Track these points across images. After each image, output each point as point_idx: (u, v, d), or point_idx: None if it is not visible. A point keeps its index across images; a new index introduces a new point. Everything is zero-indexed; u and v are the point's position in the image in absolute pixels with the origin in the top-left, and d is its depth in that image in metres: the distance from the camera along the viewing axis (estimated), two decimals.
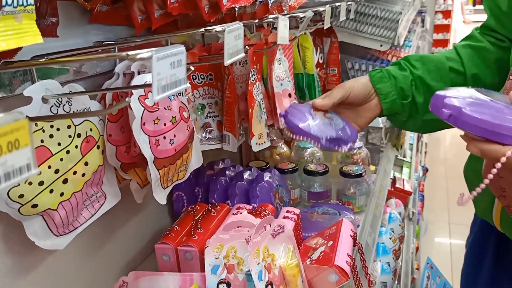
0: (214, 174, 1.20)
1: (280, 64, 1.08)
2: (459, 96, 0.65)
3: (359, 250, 0.97)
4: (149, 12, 0.78)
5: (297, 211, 0.99)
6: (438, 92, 0.68)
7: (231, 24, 0.58)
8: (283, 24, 0.76)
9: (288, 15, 0.84)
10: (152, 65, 0.37)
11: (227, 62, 0.57)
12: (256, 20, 0.80)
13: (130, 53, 0.40)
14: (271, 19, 0.79)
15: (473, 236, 1.10)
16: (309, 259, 0.90)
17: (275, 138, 1.45)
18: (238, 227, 0.83)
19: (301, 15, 0.89)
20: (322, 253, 0.89)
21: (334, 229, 0.97)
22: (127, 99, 0.47)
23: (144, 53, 0.38)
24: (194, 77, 0.93)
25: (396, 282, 1.46)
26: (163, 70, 0.38)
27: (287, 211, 0.99)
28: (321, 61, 1.64)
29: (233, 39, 0.57)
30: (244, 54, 0.63)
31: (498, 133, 0.61)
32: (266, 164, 1.33)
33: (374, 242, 1.18)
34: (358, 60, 1.85)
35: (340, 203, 1.29)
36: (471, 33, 1.06)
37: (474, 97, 0.66)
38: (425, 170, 4.02)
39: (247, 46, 1.00)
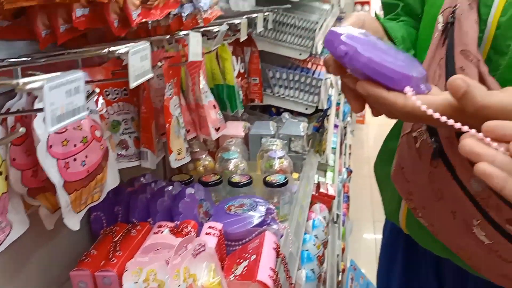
0: (135, 191, 1.15)
1: (201, 76, 1.07)
2: (356, 36, 0.63)
3: (283, 262, 0.97)
4: (53, 27, 0.73)
5: (219, 226, 0.98)
6: (333, 29, 0.65)
7: (137, 44, 0.55)
8: (195, 40, 0.75)
9: (203, 29, 0.83)
10: (43, 96, 0.34)
11: (132, 84, 0.54)
12: (167, 37, 0.78)
13: (20, 81, 0.37)
14: (182, 36, 0.77)
15: (385, 239, 1.15)
16: (233, 274, 0.89)
17: (198, 149, 1.43)
18: (157, 249, 0.80)
19: (215, 29, 0.88)
20: (246, 268, 0.89)
21: (257, 242, 0.97)
22: (20, 130, 0.43)
23: (35, 82, 0.35)
24: (107, 92, 0.89)
25: (322, 287, 1.49)
26: (58, 99, 0.35)
27: (210, 227, 0.97)
28: (242, 71, 1.64)
29: (138, 60, 0.54)
30: (151, 75, 0.61)
31: (389, 77, 0.60)
32: (190, 177, 1.30)
33: (298, 250, 1.20)
34: (279, 68, 1.88)
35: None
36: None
37: (370, 40, 0.64)
38: (350, 171, 4.16)
39: (162, 61, 0.98)
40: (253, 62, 1.68)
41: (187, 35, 0.75)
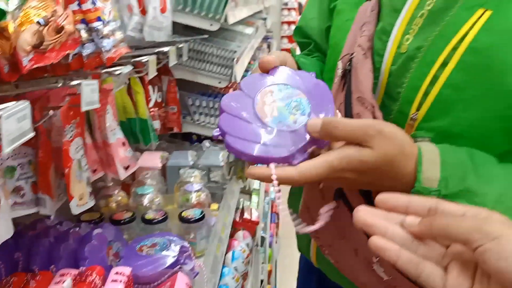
0: (37, 235, 1.07)
1: (108, 113, 1.02)
2: (233, 115, 0.63)
3: None
4: None
5: (127, 271, 0.93)
6: (225, 97, 0.65)
7: (13, 106, 0.51)
8: (88, 89, 0.71)
9: (104, 70, 0.79)
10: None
11: (5, 151, 0.50)
12: (60, 85, 0.73)
13: None
14: (74, 86, 0.73)
15: (300, 272, 1.16)
16: None
17: (111, 184, 1.37)
18: None
19: (117, 72, 0.84)
20: None
21: (168, 286, 0.94)
22: None
23: None
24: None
25: None
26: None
27: (116, 273, 0.92)
28: (159, 100, 1.61)
29: (14, 122, 0.50)
30: (32, 134, 0.56)
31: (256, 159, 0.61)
32: (100, 215, 1.24)
33: (215, 286, 1.17)
34: (199, 96, 1.86)
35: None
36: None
37: (242, 114, 0.64)
38: (278, 191, 4.19)
39: (67, 98, 0.92)
40: (170, 91, 1.65)
41: (79, 84, 0.71)
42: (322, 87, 0.68)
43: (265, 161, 0.61)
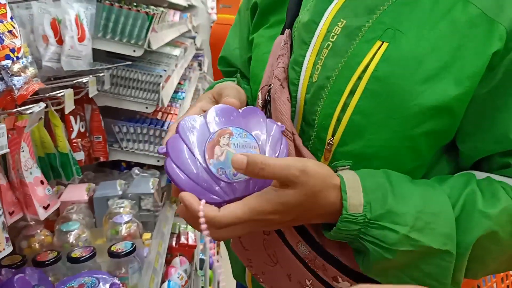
0: None
1: (23, 151, 0.97)
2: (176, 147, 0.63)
3: None
4: None
5: None
6: (182, 120, 0.65)
7: None
8: None
9: (16, 109, 0.75)
10: None
11: None
12: None
13: None
14: None
15: None
16: None
17: (33, 223, 1.29)
18: None
19: (29, 110, 0.80)
20: None
21: None
22: None
23: None
24: None
25: None
26: None
27: None
28: (83, 130, 1.55)
29: None
30: None
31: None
32: (22, 258, 1.16)
33: None
34: (126, 123, 1.81)
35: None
36: None
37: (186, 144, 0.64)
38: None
39: None
40: (94, 120, 1.59)
41: None
42: (283, 147, 0.69)
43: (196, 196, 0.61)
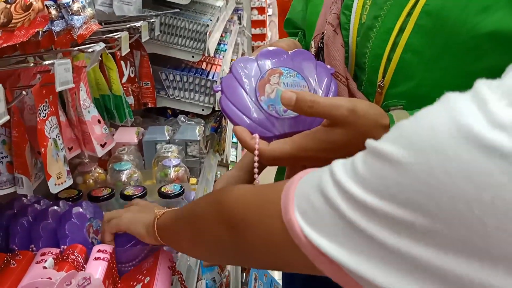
0: (14, 214, 1.07)
1: (81, 91, 1.01)
2: (233, 80, 0.66)
3: (179, 279, 0.96)
4: None
5: (109, 248, 0.94)
6: (235, 63, 0.67)
7: None
8: (62, 68, 0.70)
9: (77, 48, 0.78)
10: None
11: None
12: (31, 64, 0.72)
13: None
14: (48, 64, 0.72)
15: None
16: None
17: (87, 161, 1.36)
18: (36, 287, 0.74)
19: (90, 49, 0.83)
20: None
21: (151, 262, 0.95)
22: None
23: None
24: None
25: None
26: None
27: (99, 251, 0.93)
28: (132, 75, 1.59)
29: None
30: (7, 118, 0.55)
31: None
32: (78, 193, 1.23)
33: (197, 262, 1.19)
34: (172, 70, 1.84)
35: None
36: None
37: (246, 80, 0.66)
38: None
39: (39, 77, 0.91)
40: (143, 66, 1.63)
41: (52, 64, 0.69)
42: (333, 88, 0.70)
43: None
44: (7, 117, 0.56)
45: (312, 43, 0.80)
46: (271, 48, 0.71)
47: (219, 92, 0.67)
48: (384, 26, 0.70)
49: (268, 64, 0.68)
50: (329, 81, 0.70)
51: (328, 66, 0.72)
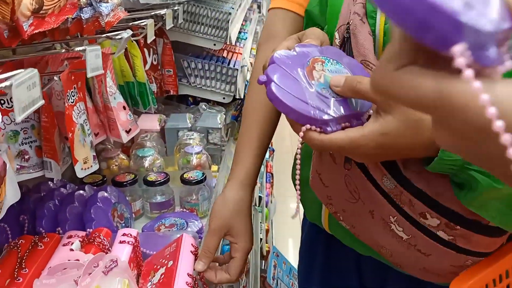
0: (41, 198, 1.09)
1: (108, 77, 1.02)
2: (281, 63, 0.65)
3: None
4: None
5: (134, 232, 0.96)
6: (276, 54, 0.66)
7: (21, 74, 0.51)
8: (93, 55, 0.71)
9: (105, 35, 0.79)
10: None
11: (18, 118, 0.51)
12: (63, 51, 0.73)
13: None
14: (79, 51, 0.73)
15: (305, 235, 1.17)
16: (150, 282, 0.88)
17: (111, 147, 1.38)
18: (64, 269, 0.76)
19: (118, 37, 0.84)
20: (163, 276, 0.88)
21: (174, 246, 0.96)
22: None
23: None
24: (2, 101, 0.83)
25: (244, 278, 1.52)
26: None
27: (124, 234, 0.95)
28: (155, 63, 1.60)
29: (25, 91, 0.50)
30: (42, 102, 0.57)
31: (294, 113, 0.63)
32: (102, 178, 1.26)
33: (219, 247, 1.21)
34: (194, 58, 1.84)
35: (185, 210, 1.29)
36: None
37: (294, 70, 0.65)
38: (272, 150, 4.23)
39: (66, 63, 0.92)
40: (166, 54, 1.64)
41: (84, 50, 0.70)
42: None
43: (301, 118, 0.62)
44: (42, 101, 0.57)
45: (336, 34, 0.78)
46: (303, 43, 0.71)
47: (264, 84, 0.66)
48: None
49: (308, 53, 0.68)
50: (363, 71, 0.70)
51: (355, 61, 0.72)
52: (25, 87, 0.51)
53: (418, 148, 0.60)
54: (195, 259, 0.95)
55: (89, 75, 0.74)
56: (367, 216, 0.76)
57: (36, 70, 0.55)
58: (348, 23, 0.76)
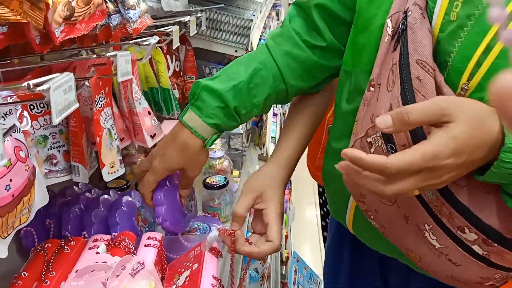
0: (67, 202, 1.11)
1: (134, 83, 1.04)
2: None
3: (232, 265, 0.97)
4: None
5: (158, 236, 0.97)
6: None
7: (59, 78, 0.52)
8: (123, 60, 0.72)
9: (133, 41, 0.81)
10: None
11: (55, 121, 0.52)
12: (94, 56, 0.75)
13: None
14: (110, 56, 0.74)
15: (331, 235, 1.16)
16: (175, 285, 0.89)
17: (135, 152, 1.39)
18: (92, 271, 0.77)
19: (146, 42, 0.85)
20: (188, 278, 0.88)
21: (198, 250, 0.97)
22: None
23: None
24: (32, 106, 0.85)
25: (266, 283, 1.52)
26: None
27: (149, 238, 0.96)
28: (177, 69, 1.61)
29: (61, 94, 0.52)
30: (77, 105, 0.58)
31: None
32: (126, 183, 1.27)
33: None
34: (215, 65, 1.86)
35: (207, 215, 1.30)
36: (288, 33, 0.96)
37: None
38: None
39: (93, 69, 0.94)
40: (188, 61, 1.65)
41: (115, 55, 0.72)
42: None
43: None
44: (77, 105, 0.59)
45: (389, 22, 0.72)
46: None
47: None
48: (478, 26, 0.64)
49: None
50: None
51: None
52: (61, 90, 0.52)
53: (486, 147, 0.59)
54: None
55: (120, 79, 0.75)
56: (400, 220, 0.75)
57: (71, 74, 0.56)
58: (405, 12, 0.71)
